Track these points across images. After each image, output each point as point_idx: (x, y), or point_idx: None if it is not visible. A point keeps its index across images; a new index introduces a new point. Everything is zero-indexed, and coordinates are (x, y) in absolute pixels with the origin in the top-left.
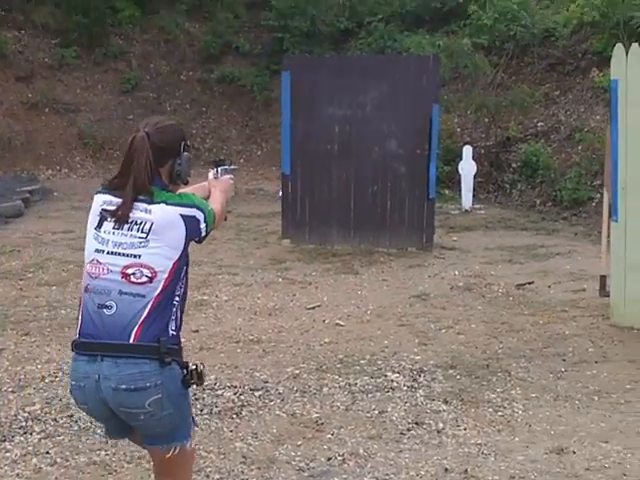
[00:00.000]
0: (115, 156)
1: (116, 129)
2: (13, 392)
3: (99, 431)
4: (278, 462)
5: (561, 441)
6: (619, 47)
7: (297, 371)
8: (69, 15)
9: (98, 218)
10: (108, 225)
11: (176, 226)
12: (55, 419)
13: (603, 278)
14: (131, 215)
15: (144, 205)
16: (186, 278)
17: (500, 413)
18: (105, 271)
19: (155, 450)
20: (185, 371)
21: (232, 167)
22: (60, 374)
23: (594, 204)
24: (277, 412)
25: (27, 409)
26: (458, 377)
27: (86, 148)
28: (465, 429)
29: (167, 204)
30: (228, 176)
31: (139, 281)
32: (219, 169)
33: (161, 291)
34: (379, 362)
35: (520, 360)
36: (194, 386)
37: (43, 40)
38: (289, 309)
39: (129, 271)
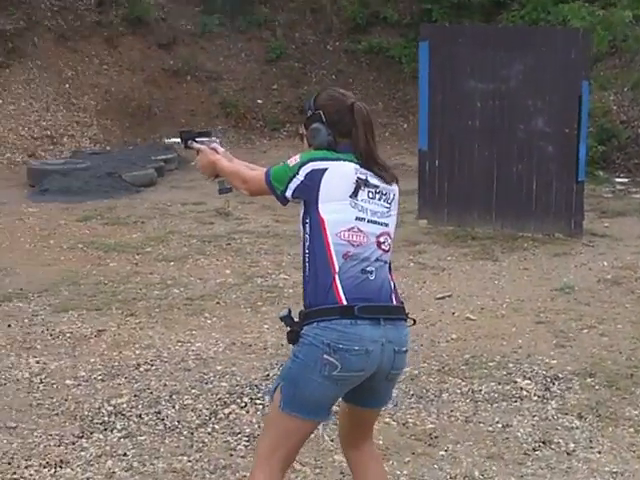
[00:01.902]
0: (257, 126)
1: (259, 99)
2: (102, 381)
3: (185, 432)
4: None
5: None
6: None
7: (416, 371)
8: None
9: (354, 186)
10: (363, 194)
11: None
12: (140, 415)
13: None
14: (380, 185)
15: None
16: None
17: None
18: (365, 239)
19: (374, 411)
20: None
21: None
22: (157, 362)
23: None
24: (387, 419)
25: (113, 402)
26: (597, 388)
27: (228, 117)
28: (599, 452)
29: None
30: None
31: (386, 249)
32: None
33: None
34: (510, 365)
35: None
36: None
37: (186, 7)
38: (416, 298)
39: (381, 239)
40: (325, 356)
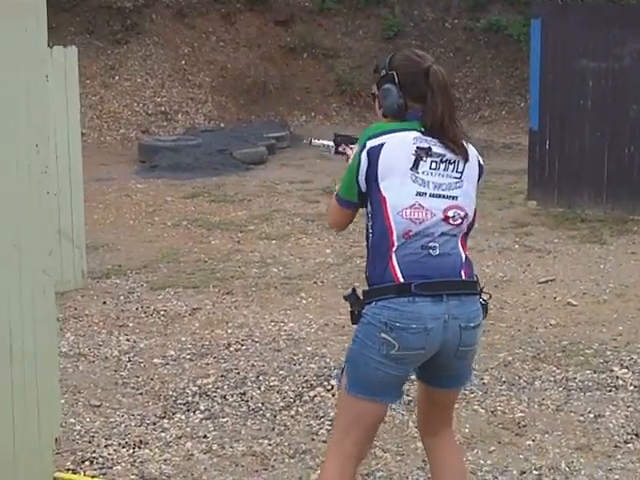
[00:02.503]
0: (372, 104)
1: None
2: (191, 360)
3: (268, 415)
4: None
5: None
6: None
7: (510, 357)
8: None
9: (413, 157)
10: (424, 165)
11: (475, 165)
12: (225, 396)
13: None
14: (446, 154)
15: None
16: None
17: None
18: (429, 215)
19: (451, 392)
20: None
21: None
22: (248, 342)
23: None
24: (475, 407)
25: (198, 382)
26: None
27: (343, 95)
28: None
29: (467, 142)
30: None
31: (456, 222)
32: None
33: (466, 230)
34: (607, 353)
35: None
36: None
37: None
38: (519, 281)
39: (449, 213)
40: (383, 335)
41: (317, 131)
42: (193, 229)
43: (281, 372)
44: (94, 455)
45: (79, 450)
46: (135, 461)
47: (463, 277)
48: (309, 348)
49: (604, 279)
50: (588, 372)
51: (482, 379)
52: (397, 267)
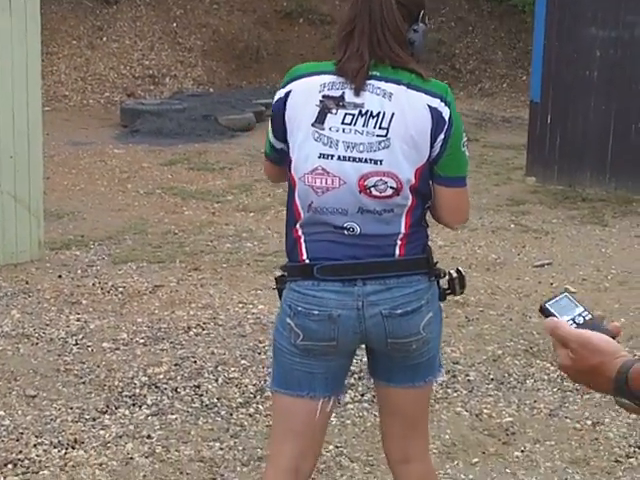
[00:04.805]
0: None
1: None
2: (144, 345)
3: (223, 412)
4: None
5: None
6: None
7: (500, 351)
8: None
9: (317, 109)
10: (334, 119)
11: (421, 117)
12: (176, 389)
13: None
14: (365, 103)
15: (381, 85)
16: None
17: None
18: (336, 183)
19: (409, 392)
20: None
21: None
22: (210, 325)
23: None
24: (458, 409)
25: (149, 371)
26: None
27: None
28: None
29: (410, 87)
30: None
31: (381, 194)
32: None
33: (416, 203)
34: None
35: None
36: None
37: None
38: (512, 264)
39: (368, 182)
40: (288, 320)
41: None
42: (167, 198)
43: (243, 362)
44: (19, 457)
45: (3, 450)
46: (66, 465)
47: (396, 256)
48: None
49: (605, 264)
50: None
51: (467, 375)
52: (304, 245)
